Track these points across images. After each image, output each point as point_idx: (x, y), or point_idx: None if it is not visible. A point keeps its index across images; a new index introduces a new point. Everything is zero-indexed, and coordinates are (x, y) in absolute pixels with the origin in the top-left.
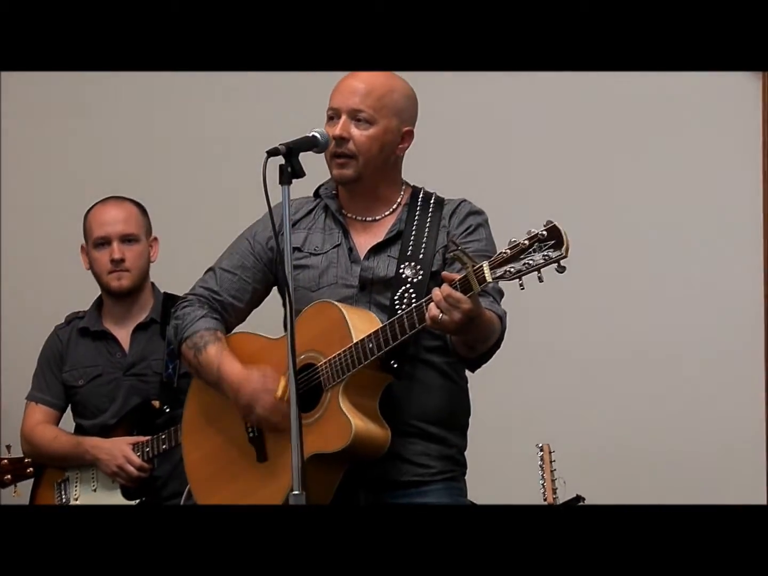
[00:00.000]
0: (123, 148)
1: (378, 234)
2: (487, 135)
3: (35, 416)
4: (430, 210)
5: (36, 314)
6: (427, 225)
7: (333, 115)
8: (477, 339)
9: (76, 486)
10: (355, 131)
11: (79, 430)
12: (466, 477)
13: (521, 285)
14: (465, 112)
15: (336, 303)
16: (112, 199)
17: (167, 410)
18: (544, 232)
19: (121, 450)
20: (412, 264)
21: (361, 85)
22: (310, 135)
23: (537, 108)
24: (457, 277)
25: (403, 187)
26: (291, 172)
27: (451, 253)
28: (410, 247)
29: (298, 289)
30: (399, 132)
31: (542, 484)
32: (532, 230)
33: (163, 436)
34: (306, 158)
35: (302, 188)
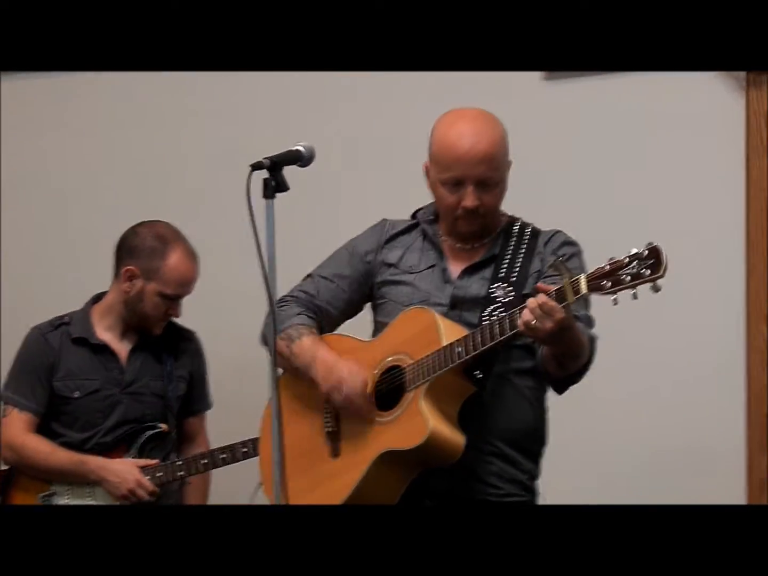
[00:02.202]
0: (122, 155)
1: (473, 258)
2: None
3: (19, 425)
4: (526, 238)
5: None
6: (522, 251)
7: (456, 183)
8: (566, 353)
9: (67, 502)
10: (485, 196)
11: (63, 441)
12: None
13: (615, 300)
14: None
15: (431, 309)
16: (192, 255)
17: (174, 435)
18: (645, 251)
19: (132, 474)
20: (504, 285)
21: (481, 149)
22: (294, 149)
23: (509, 114)
24: (553, 288)
25: (503, 217)
26: (275, 186)
27: (552, 263)
28: (503, 270)
29: (389, 302)
30: (508, 169)
31: None
32: (633, 249)
33: (180, 463)
34: (290, 171)
35: (287, 202)
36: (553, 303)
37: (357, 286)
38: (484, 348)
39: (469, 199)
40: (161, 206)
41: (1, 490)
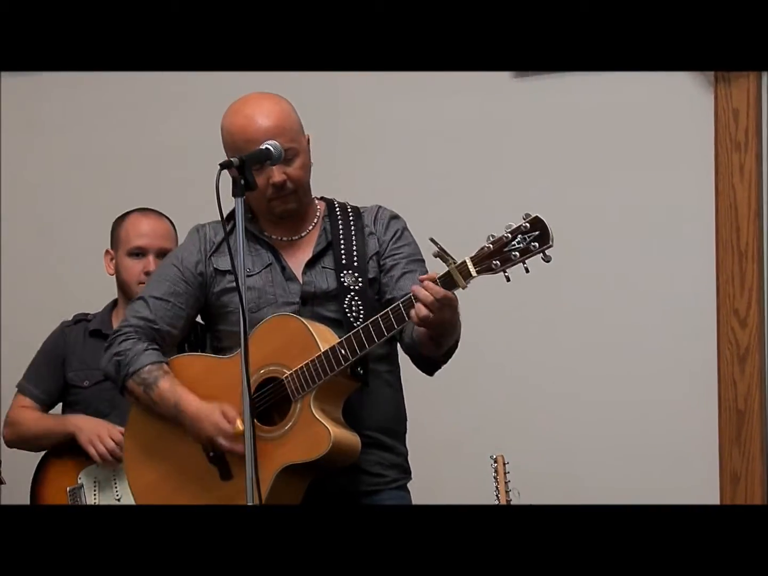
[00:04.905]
0: (122, 152)
1: (306, 249)
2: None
3: (20, 404)
4: (351, 218)
5: (34, 316)
6: (353, 233)
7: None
8: (448, 334)
9: (94, 494)
10: (288, 169)
11: None
12: (419, 487)
13: (507, 277)
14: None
15: (295, 315)
16: (151, 212)
17: None
18: (527, 225)
19: (105, 424)
20: (350, 272)
21: (272, 124)
22: (263, 147)
23: (479, 110)
24: (436, 275)
25: (317, 200)
26: (244, 184)
27: (434, 253)
28: (343, 256)
29: (235, 311)
30: (308, 144)
31: (496, 495)
32: (512, 224)
33: None
34: None
35: None
36: (447, 291)
37: (193, 300)
38: (372, 346)
39: (276, 175)
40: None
41: (32, 484)
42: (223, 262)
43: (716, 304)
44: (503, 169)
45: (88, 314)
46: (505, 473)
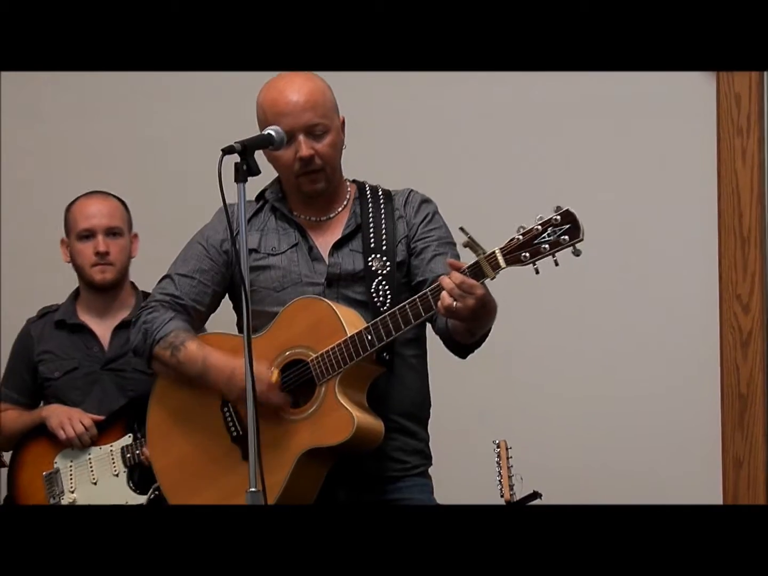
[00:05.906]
0: (115, 147)
1: (335, 231)
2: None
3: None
4: (381, 201)
5: (31, 307)
6: (383, 216)
7: (288, 138)
8: (481, 324)
9: (71, 478)
10: (317, 145)
11: None
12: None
13: (536, 270)
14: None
15: (323, 298)
16: (96, 194)
17: None
18: (558, 217)
19: (76, 410)
20: (378, 256)
21: (302, 98)
22: (266, 133)
23: (489, 106)
24: (465, 264)
25: (348, 182)
26: (246, 169)
27: (464, 242)
28: (372, 240)
29: (260, 290)
30: (341, 126)
31: (499, 481)
32: (543, 216)
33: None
34: (261, 156)
35: (257, 186)
36: (471, 281)
37: (220, 278)
38: (398, 333)
39: (303, 148)
40: (153, 192)
41: (8, 469)
42: (250, 241)
43: (719, 290)
44: (525, 160)
45: (54, 305)
46: (507, 458)
